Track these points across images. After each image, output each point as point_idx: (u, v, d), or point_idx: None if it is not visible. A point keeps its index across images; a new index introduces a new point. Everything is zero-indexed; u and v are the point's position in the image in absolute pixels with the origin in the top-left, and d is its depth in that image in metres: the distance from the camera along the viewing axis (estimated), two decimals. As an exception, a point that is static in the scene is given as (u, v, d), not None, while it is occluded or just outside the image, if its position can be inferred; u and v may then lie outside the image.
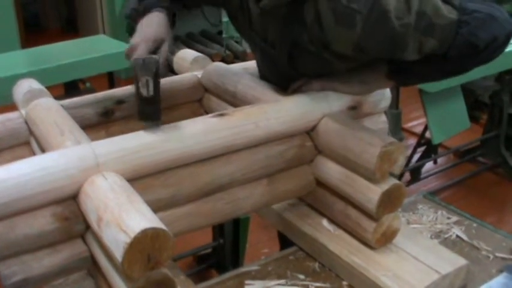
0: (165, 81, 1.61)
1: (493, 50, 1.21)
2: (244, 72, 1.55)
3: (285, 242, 1.51)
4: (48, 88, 1.44)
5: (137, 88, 1.12)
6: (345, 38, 1.18)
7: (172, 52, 1.35)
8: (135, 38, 1.21)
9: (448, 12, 1.15)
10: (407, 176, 3.47)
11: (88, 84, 3.37)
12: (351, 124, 1.27)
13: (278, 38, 1.31)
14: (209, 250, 2.70)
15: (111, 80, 3.41)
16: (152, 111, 1.14)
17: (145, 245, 0.86)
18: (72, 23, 6.71)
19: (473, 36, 1.16)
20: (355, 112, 1.35)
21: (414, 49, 1.17)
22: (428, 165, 3.72)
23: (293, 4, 1.23)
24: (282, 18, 1.27)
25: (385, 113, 1.45)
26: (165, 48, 1.22)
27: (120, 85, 2.14)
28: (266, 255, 1.50)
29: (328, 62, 1.29)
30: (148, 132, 1.13)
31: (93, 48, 3.22)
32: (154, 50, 1.21)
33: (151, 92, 1.11)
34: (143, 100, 1.12)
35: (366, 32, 1.15)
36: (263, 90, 1.43)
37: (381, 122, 1.42)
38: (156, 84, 1.12)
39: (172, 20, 1.33)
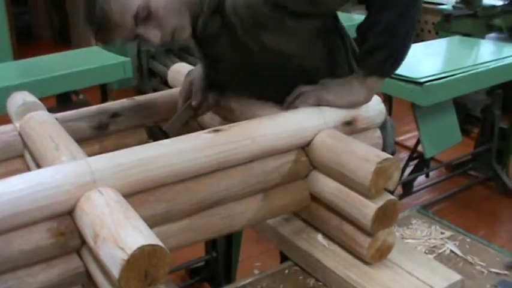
0: (159, 95, 1.63)
1: None
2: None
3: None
4: (41, 100, 1.44)
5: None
6: None
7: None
8: None
9: None
10: (399, 190, 3.48)
11: (81, 96, 3.37)
12: (346, 140, 1.28)
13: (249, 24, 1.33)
14: (202, 263, 2.69)
15: (104, 91, 3.41)
16: None
17: (142, 262, 0.86)
18: (65, 34, 6.72)
19: None
20: (350, 127, 1.35)
21: None
22: (421, 178, 3.74)
23: None
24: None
25: (380, 128, 1.45)
26: (195, 86, 1.50)
27: (113, 97, 2.14)
28: (258, 268, 1.50)
29: (293, 32, 1.32)
30: (144, 148, 1.13)
31: (86, 60, 3.22)
32: None
33: None
34: None
35: None
36: (258, 105, 1.43)
37: (376, 137, 1.42)
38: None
39: None
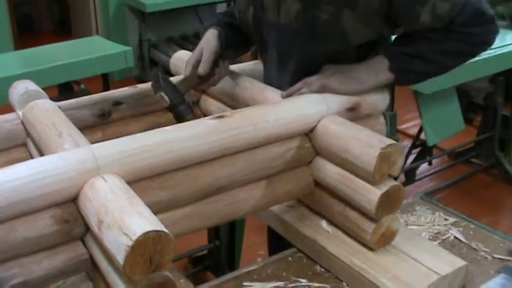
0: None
1: (494, 30, 1.34)
2: (241, 73, 1.55)
3: (275, 248, 1.52)
4: (43, 89, 1.43)
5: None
6: None
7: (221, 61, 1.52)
8: None
9: None
10: (402, 178, 3.48)
11: (83, 86, 3.36)
12: (350, 126, 1.27)
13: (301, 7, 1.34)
14: (205, 252, 2.70)
15: (106, 81, 3.41)
16: (181, 112, 1.38)
17: (147, 248, 0.85)
18: (65, 24, 6.69)
19: (480, 4, 1.29)
20: (353, 114, 1.35)
21: (429, 9, 1.25)
22: (423, 166, 3.73)
23: None
24: None
25: (383, 114, 1.45)
26: (204, 55, 1.44)
27: (114, 86, 2.13)
28: (261, 257, 1.49)
29: (342, 35, 1.33)
30: (147, 135, 1.13)
31: (88, 50, 3.21)
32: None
33: (167, 102, 1.38)
34: (168, 108, 1.40)
35: None
36: (261, 92, 1.43)
37: (380, 123, 1.42)
38: (170, 94, 1.38)
39: (224, 37, 1.49)
